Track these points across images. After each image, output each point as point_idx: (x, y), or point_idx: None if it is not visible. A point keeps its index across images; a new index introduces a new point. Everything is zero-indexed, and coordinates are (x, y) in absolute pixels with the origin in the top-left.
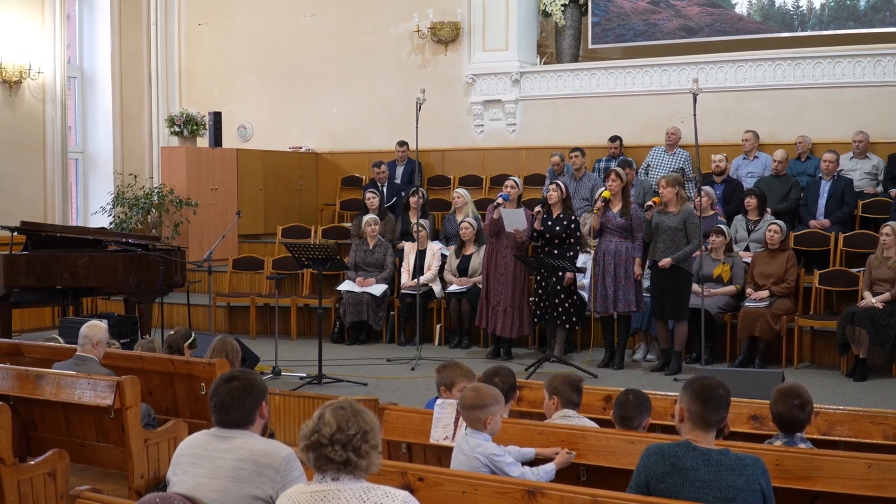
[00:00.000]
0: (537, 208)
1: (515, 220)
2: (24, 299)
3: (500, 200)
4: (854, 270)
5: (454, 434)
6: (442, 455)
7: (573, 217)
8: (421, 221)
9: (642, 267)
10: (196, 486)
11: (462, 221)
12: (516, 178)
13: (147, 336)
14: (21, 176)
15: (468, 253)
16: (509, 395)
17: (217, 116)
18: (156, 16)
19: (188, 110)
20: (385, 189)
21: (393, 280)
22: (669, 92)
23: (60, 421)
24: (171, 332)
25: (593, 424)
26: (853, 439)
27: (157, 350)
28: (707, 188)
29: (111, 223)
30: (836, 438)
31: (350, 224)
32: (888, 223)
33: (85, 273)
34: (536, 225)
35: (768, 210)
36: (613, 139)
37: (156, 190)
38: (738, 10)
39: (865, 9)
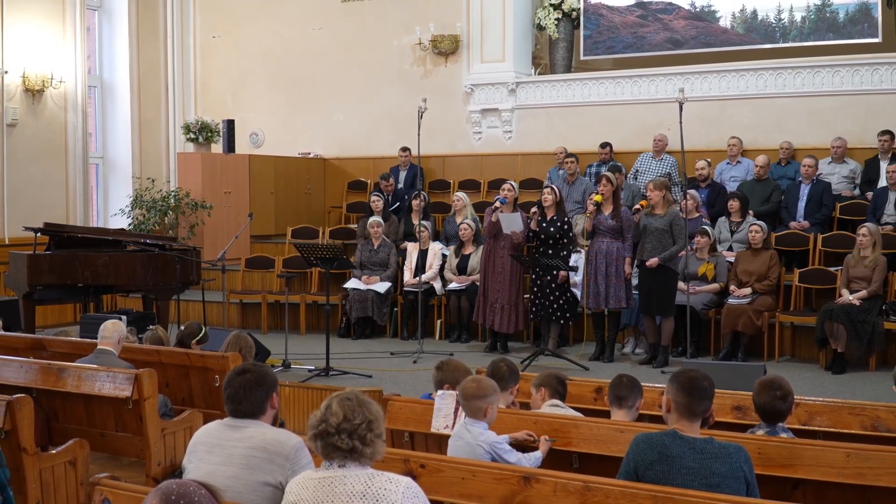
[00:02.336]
0: (533, 209)
1: (512, 223)
2: (47, 297)
3: (497, 204)
4: (832, 269)
5: (454, 423)
6: (442, 443)
7: (566, 219)
8: (423, 223)
9: (631, 266)
10: (210, 472)
11: (461, 223)
12: (513, 182)
13: (151, 327)
14: (44, 180)
15: (467, 252)
16: (514, 377)
17: (230, 124)
18: (172, 28)
19: (203, 118)
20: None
21: (396, 278)
22: (657, 101)
23: (81, 412)
24: (182, 328)
25: (578, 415)
26: (832, 429)
27: (165, 340)
28: (692, 192)
29: (130, 224)
30: (816, 428)
31: (356, 225)
32: (864, 224)
33: (105, 272)
34: (533, 225)
35: (750, 212)
36: (604, 145)
37: (172, 193)
38: (722, 23)
39: (844, 21)
